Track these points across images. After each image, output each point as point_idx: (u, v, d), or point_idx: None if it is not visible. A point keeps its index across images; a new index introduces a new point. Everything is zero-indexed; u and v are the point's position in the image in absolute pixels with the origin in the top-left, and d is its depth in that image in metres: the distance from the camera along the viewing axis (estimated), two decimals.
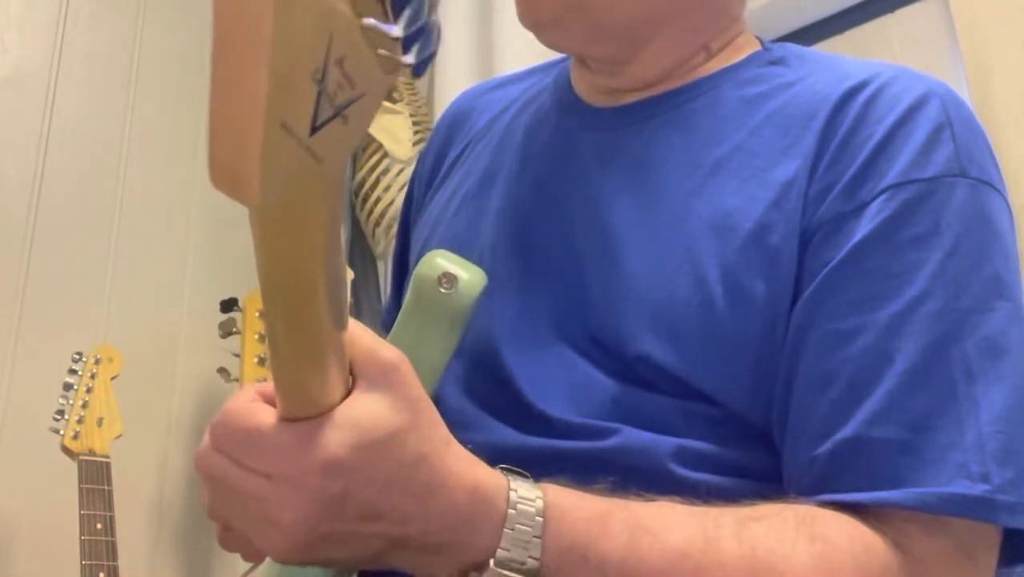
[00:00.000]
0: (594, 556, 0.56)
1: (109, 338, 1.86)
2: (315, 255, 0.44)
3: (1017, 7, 1.45)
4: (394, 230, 1.90)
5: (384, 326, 0.91)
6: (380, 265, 2.13)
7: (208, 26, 0.35)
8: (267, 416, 0.51)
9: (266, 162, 0.36)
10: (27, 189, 1.88)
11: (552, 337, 0.71)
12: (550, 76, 0.90)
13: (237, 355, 1.83)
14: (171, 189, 2.08)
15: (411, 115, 2.10)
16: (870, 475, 0.61)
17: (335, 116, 0.39)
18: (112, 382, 1.71)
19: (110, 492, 1.57)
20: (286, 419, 0.50)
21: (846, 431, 0.62)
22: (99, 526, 1.52)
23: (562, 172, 0.79)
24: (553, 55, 0.87)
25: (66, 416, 1.64)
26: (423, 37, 0.42)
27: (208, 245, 2.10)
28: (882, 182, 0.67)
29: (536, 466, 0.59)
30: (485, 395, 0.72)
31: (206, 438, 0.53)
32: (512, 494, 0.55)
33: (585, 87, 0.83)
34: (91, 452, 1.61)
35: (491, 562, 0.54)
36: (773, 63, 0.79)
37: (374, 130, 2.01)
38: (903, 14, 1.71)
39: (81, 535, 1.51)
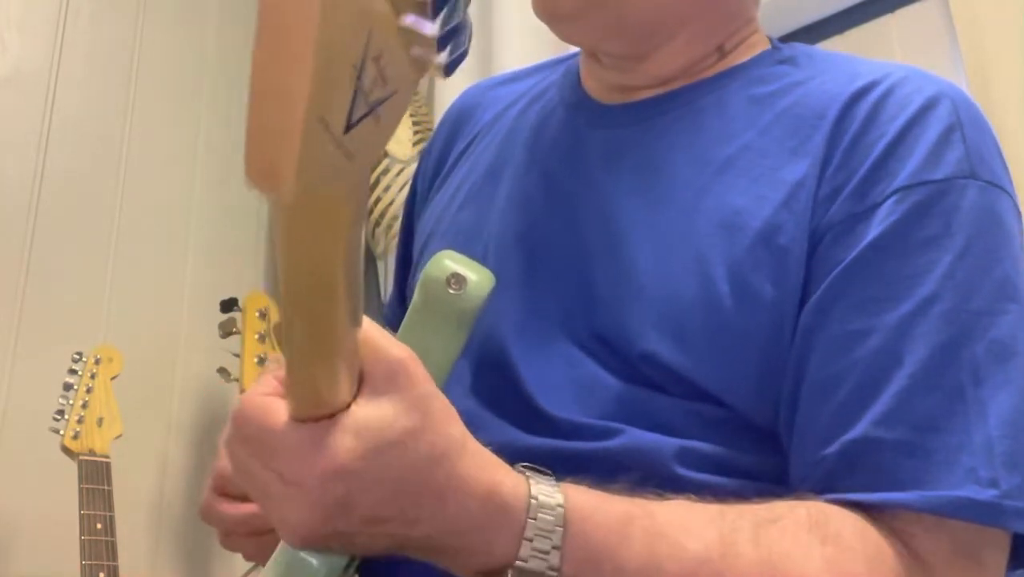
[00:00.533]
0: (614, 566, 0.55)
1: (109, 338, 1.86)
2: (339, 253, 0.44)
3: (1017, 7, 1.45)
4: (394, 230, 1.89)
5: (386, 322, 0.91)
6: (380, 265, 2.12)
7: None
8: (279, 415, 0.51)
9: (303, 157, 0.35)
10: (27, 189, 1.87)
11: (558, 335, 0.71)
12: (557, 72, 0.89)
13: (237, 355, 1.83)
14: (171, 189, 2.08)
15: (411, 115, 2.09)
16: (878, 476, 0.61)
17: (368, 113, 0.39)
18: (112, 382, 1.71)
19: (110, 492, 1.57)
20: (296, 419, 0.51)
21: (854, 432, 0.62)
22: (99, 526, 1.52)
23: (569, 168, 0.78)
24: (556, 53, 0.86)
25: (66, 416, 1.63)
26: (456, 37, 0.42)
27: (208, 245, 2.10)
28: (893, 184, 0.66)
29: (540, 466, 0.58)
30: (490, 394, 0.71)
31: (230, 425, 0.54)
32: (532, 502, 0.54)
33: (595, 83, 0.83)
34: (91, 452, 1.61)
35: (509, 573, 0.53)
36: (782, 62, 0.78)
37: None
38: (903, 14, 1.71)
39: (81, 535, 1.50)
